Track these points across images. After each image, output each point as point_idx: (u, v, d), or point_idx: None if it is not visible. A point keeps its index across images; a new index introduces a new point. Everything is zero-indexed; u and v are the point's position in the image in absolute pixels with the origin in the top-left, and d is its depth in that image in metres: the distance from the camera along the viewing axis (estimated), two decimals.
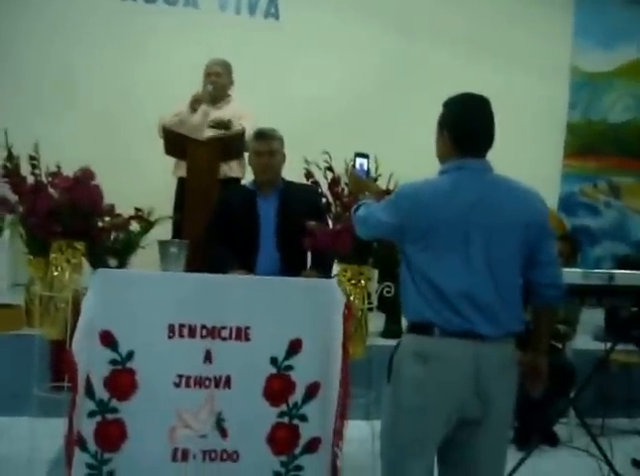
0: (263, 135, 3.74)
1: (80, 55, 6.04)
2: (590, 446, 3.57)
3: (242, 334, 2.67)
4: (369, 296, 3.22)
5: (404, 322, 2.39)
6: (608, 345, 3.58)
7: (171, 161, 4.72)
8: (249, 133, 4.23)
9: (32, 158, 3.47)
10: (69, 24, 6.05)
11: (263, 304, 2.70)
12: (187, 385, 2.64)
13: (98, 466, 2.59)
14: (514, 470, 3.26)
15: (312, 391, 2.72)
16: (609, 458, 3.41)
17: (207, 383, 2.66)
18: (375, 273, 3.88)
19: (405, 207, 2.29)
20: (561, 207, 7.16)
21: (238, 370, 2.67)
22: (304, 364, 2.70)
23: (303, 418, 2.71)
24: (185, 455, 2.65)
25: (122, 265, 3.26)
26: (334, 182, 3.34)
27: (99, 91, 6.05)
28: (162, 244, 3.06)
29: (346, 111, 6.27)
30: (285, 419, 2.71)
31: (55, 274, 3.14)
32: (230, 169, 4.70)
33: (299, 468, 2.72)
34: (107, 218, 3.30)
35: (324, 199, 3.44)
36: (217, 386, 2.66)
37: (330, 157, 3.31)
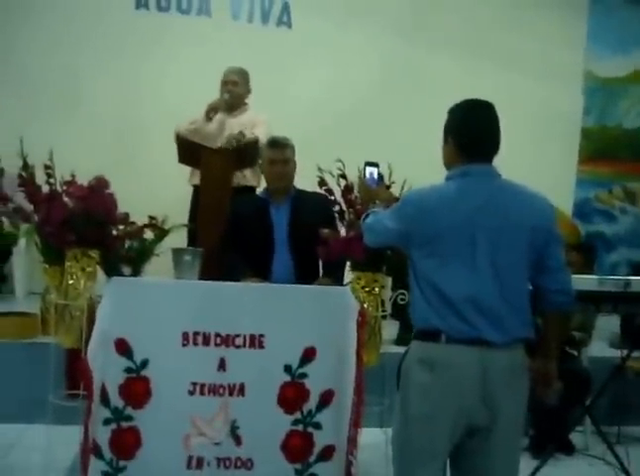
0: (277, 143, 3.75)
1: (93, 63, 6.07)
2: (607, 454, 3.55)
3: (256, 342, 2.68)
4: (382, 303, 3.22)
5: None
6: (624, 352, 3.56)
7: (187, 169, 4.73)
8: (262, 141, 4.24)
9: (47, 167, 3.50)
10: (81, 32, 6.09)
11: (276, 312, 2.70)
12: (201, 393, 2.65)
13: (113, 473, 2.61)
14: None
15: (326, 398, 2.72)
16: (626, 466, 3.39)
17: (221, 391, 2.66)
18: (389, 280, 3.89)
19: (410, 213, 2.28)
20: (576, 213, 7.12)
21: (252, 378, 2.68)
22: (318, 372, 2.70)
23: (317, 426, 2.71)
24: (200, 463, 2.66)
25: (136, 273, 3.27)
26: (347, 190, 3.34)
27: (113, 100, 6.08)
28: (176, 252, 3.07)
29: (359, 118, 6.27)
30: (300, 427, 2.71)
31: (71, 282, 3.15)
32: (244, 177, 4.70)
33: None
34: (121, 226, 3.31)
35: (337, 207, 3.44)
36: (231, 394, 2.67)
37: (343, 164, 3.31)
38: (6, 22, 6.03)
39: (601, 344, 4.98)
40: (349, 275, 3.32)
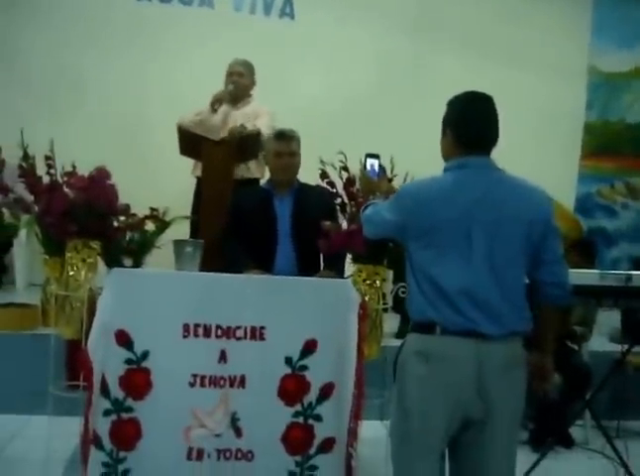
0: (283, 136, 3.74)
1: (94, 55, 6.07)
2: (606, 448, 3.55)
3: (257, 334, 2.68)
4: (383, 296, 3.22)
5: None
6: (625, 347, 3.55)
7: (190, 160, 4.73)
8: (265, 132, 4.23)
9: (47, 157, 3.49)
10: (83, 24, 6.10)
11: (277, 304, 2.70)
12: (202, 384, 2.64)
13: (113, 465, 2.61)
14: (529, 472, 3.24)
15: (327, 391, 2.71)
16: (625, 460, 3.39)
17: (222, 382, 2.66)
18: (390, 273, 3.88)
19: (407, 205, 2.28)
20: (577, 208, 7.10)
21: (252, 370, 2.68)
22: (319, 364, 2.70)
23: (318, 418, 2.71)
24: (200, 454, 2.65)
25: (137, 264, 3.27)
26: (349, 183, 3.34)
27: (114, 92, 6.07)
28: (178, 243, 3.06)
29: (362, 110, 6.26)
30: (300, 419, 2.71)
31: (71, 273, 3.15)
32: (249, 170, 4.69)
33: (314, 468, 2.72)
34: (122, 218, 3.31)
35: (339, 199, 3.44)
36: (232, 385, 2.67)
37: (345, 157, 3.31)
38: (12, 12, 6.02)
39: (602, 339, 4.98)
40: (350, 267, 3.31)
